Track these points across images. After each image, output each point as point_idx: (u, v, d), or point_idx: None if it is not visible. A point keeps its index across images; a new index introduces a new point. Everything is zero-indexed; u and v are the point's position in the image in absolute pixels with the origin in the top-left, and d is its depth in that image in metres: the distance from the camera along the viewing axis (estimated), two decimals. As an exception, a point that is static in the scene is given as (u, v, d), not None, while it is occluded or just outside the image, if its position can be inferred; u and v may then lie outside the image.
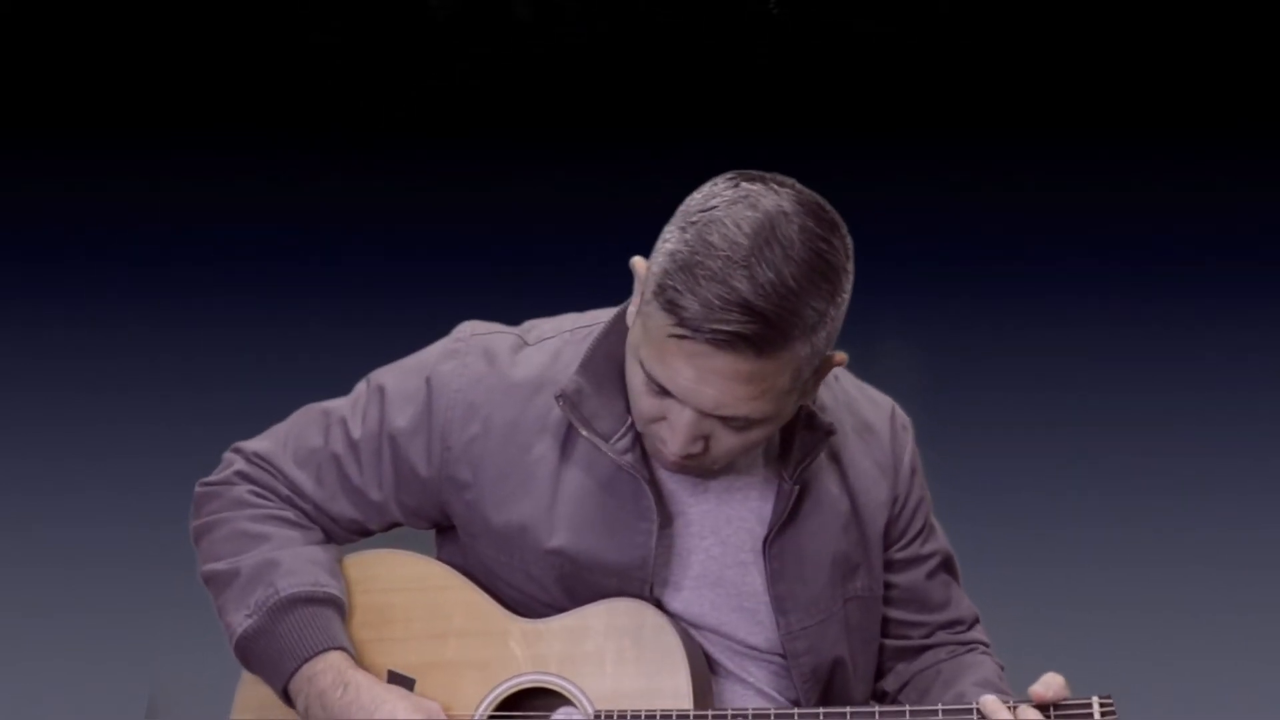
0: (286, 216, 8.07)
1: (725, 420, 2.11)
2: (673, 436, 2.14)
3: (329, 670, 2.25)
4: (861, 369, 2.42)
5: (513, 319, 2.39)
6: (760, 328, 2.04)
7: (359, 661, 2.29)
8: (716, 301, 2.04)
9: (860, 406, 2.36)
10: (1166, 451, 5.56)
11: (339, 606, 2.29)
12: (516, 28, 10.03)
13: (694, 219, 2.09)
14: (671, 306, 2.06)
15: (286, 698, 2.28)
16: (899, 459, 2.36)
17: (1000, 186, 8.34)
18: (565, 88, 9.78)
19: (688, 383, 2.08)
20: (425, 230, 7.88)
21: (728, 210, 2.08)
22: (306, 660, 2.25)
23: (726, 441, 2.14)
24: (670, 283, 2.06)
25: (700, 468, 2.20)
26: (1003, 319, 6.86)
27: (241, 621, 2.27)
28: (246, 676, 2.35)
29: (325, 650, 2.25)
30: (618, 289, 2.26)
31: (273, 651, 2.26)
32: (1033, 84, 9.63)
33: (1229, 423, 5.79)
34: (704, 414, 2.11)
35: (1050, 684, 2.14)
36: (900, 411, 2.40)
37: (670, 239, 2.10)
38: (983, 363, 6.36)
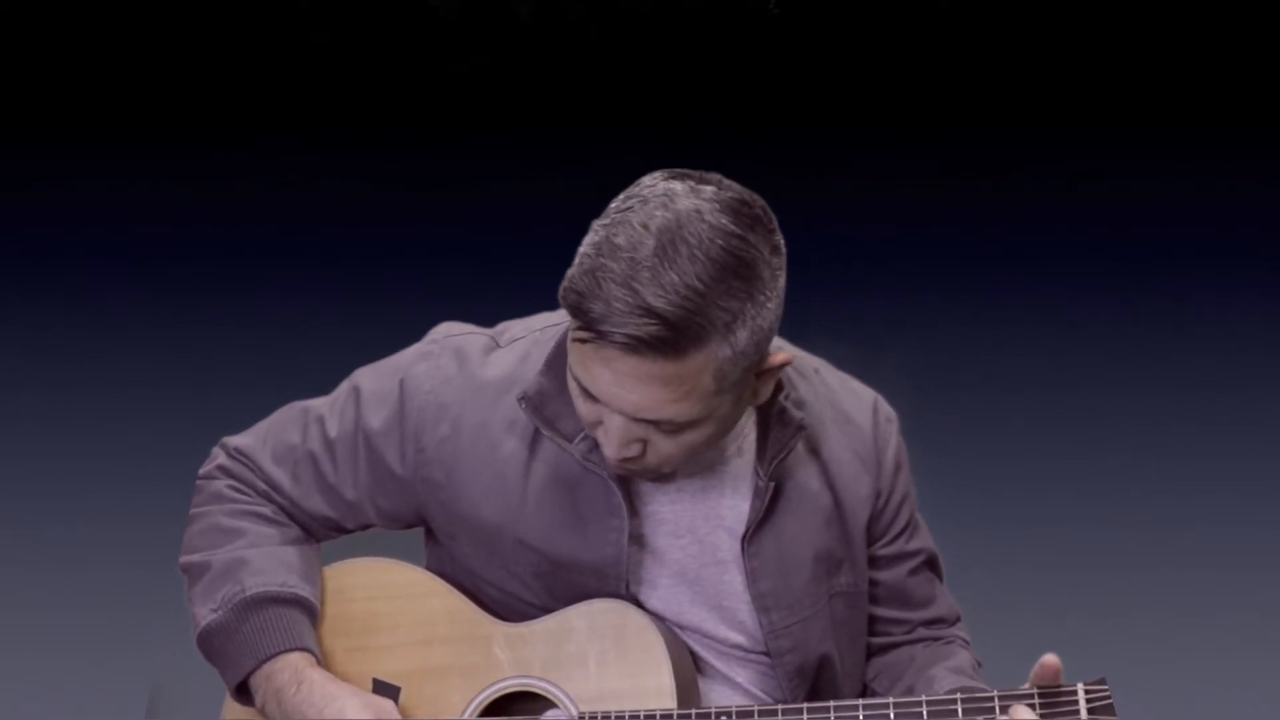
0: (286, 216, 8.06)
1: (655, 424, 2.09)
2: (607, 441, 2.13)
3: (286, 669, 2.25)
4: (862, 368, 2.42)
5: (512, 318, 2.39)
6: (663, 330, 2.01)
7: (341, 668, 2.29)
8: (618, 305, 2.01)
9: (841, 399, 2.33)
10: (1166, 452, 5.56)
11: (306, 608, 2.30)
12: (517, 26, 10.03)
13: (607, 220, 2.07)
14: (577, 311, 2.04)
15: (239, 694, 2.29)
16: (882, 452, 2.33)
17: (1001, 186, 8.33)
18: (564, 87, 9.78)
19: (607, 386, 2.07)
20: (425, 229, 7.87)
21: (639, 211, 2.05)
22: (265, 661, 2.26)
23: (663, 446, 2.12)
24: (575, 286, 2.05)
25: (646, 471, 2.18)
26: (1001, 316, 6.85)
27: (206, 615, 2.29)
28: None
29: (285, 651, 2.26)
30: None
31: (232, 648, 2.27)
32: (1034, 83, 9.63)
33: (1228, 422, 5.79)
34: (632, 418, 2.09)
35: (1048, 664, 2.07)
36: (885, 404, 2.37)
37: (584, 242, 2.08)
38: (981, 362, 6.35)
